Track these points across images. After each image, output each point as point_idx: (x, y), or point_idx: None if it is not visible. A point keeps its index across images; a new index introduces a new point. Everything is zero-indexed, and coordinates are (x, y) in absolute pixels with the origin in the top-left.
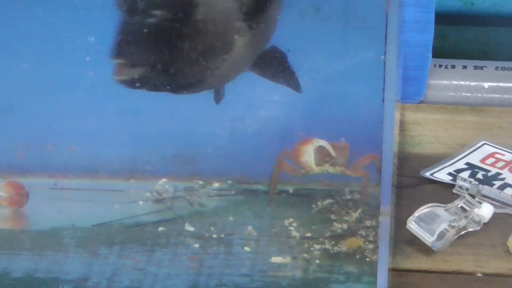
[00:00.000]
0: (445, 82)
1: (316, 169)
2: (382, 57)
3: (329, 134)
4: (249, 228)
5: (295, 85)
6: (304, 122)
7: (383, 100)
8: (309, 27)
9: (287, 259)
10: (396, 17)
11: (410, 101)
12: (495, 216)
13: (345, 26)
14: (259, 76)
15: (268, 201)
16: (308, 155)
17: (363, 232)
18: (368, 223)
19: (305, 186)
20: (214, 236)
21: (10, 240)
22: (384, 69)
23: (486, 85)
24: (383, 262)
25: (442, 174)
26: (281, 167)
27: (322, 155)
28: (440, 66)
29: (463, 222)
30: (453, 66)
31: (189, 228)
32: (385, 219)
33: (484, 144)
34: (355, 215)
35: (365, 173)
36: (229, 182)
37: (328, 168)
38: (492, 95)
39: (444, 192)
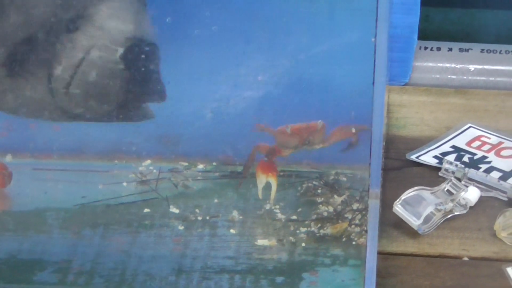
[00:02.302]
0: (430, 64)
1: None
2: (373, 39)
3: (315, 115)
4: (234, 210)
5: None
6: (289, 103)
7: (373, 83)
8: (296, 7)
9: (272, 242)
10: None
11: (395, 83)
12: (481, 199)
13: (332, 6)
14: (243, 57)
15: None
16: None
17: (349, 215)
18: (355, 206)
19: (290, 168)
20: (199, 218)
21: None
22: (375, 52)
23: (472, 67)
24: (372, 245)
25: (428, 157)
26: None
27: (301, 141)
28: (426, 48)
29: (449, 206)
30: (438, 48)
31: (173, 210)
32: (374, 202)
33: (470, 127)
34: (340, 198)
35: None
36: (214, 163)
37: (306, 148)
38: (478, 78)
39: (430, 175)
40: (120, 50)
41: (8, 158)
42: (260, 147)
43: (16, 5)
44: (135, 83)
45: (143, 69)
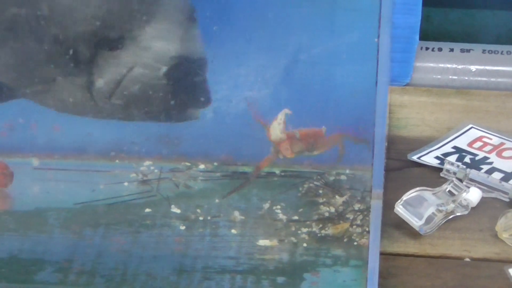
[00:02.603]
0: (431, 64)
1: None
2: (376, 40)
3: (316, 115)
4: (235, 211)
5: None
6: (291, 103)
7: (376, 84)
8: (298, 7)
9: (273, 242)
10: (390, 0)
11: (396, 83)
12: (483, 200)
13: (334, 6)
14: (244, 56)
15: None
16: (274, 128)
17: (351, 216)
18: (356, 206)
19: (292, 169)
20: (200, 218)
21: None
22: (378, 52)
23: (473, 68)
24: (375, 246)
25: (429, 158)
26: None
27: (306, 145)
28: (427, 48)
29: (451, 206)
30: (439, 49)
31: (175, 210)
32: (377, 202)
33: (472, 127)
34: (342, 199)
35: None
36: (215, 163)
37: (307, 153)
38: (479, 78)
39: (432, 176)
40: (164, 69)
41: (35, 161)
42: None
43: (57, 20)
44: (178, 95)
45: (188, 83)
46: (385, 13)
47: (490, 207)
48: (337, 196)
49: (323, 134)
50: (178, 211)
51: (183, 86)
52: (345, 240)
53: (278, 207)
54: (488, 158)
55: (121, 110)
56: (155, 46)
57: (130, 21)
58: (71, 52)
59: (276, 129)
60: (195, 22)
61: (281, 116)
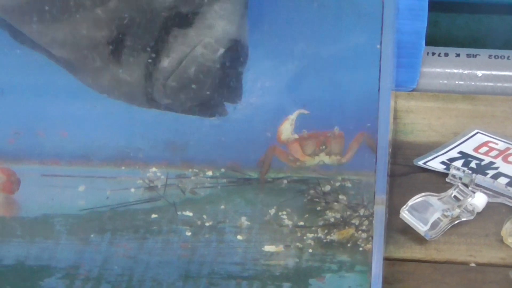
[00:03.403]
0: (438, 70)
1: (293, 136)
2: (378, 46)
3: (322, 120)
4: (242, 216)
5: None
6: (296, 108)
7: (378, 90)
8: (302, 12)
9: (279, 248)
10: (392, 5)
11: (403, 88)
12: (488, 205)
13: (338, 12)
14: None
15: (262, 189)
16: (285, 129)
17: (356, 221)
18: (361, 212)
19: (298, 174)
20: (207, 224)
21: (1, 227)
22: (380, 58)
23: (479, 73)
24: (378, 251)
25: (435, 163)
26: (273, 153)
27: (318, 144)
28: (433, 54)
29: (456, 212)
30: (446, 54)
31: (181, 216)
32: (380, 208)
33: (477, 132)
34: (347, 204)
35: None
36: (222, 170)
37: (323, 158)
38: (485, 83)
39: (437, 181)
40: (221, 50)
41: (17, 164)
42: (276, 149)
43: None
44: (223, 83)
45: (233, 70)
46: (387, 18)
47: (495, 212)
48: (342, 202)
49: (335, 134)
50: (184, 217)
51: (229, 75)
52: (350, 245)
53: (284, 212)
54: (494, 163)
55: (171, 95)
56: (218, 25)
57: None
58: (140, 28)
59: (288, 129)
60: (247, 8)
61: (293, 117)
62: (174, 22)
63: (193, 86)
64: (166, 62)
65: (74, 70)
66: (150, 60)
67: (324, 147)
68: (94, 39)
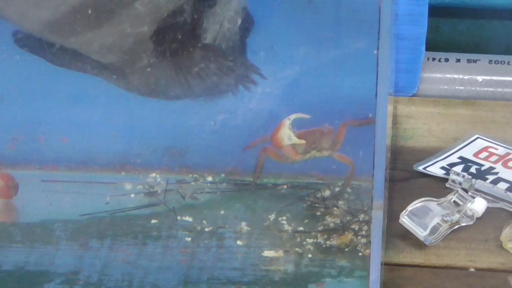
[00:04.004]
0: (438, 75)
1: (301, 141)
2: (375, 51)
3: (320, 125)
4: (241, 221)
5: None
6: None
7: (376, 95)
8: (301, 19)
9: (279, 253)
10: (389, 11)
11: (403, 94)
12: (488, 210)
13: (336, 18)
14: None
15: (262, 194)
16: (287, 135)
17: (355, 227)
18: (361, 217)
19: (297, 180)
20: (206, 229)
21: (0, 233)
22: (377, 64)
23: (480, 78)
24: (376, 256)
25: (435, 168)
26: (264, 154)
27: (308, 143)
28: (434, 59)
29: (456, 217)
30: (446, 60)
31: (181, 221)
32: (378, 213)
33: (477, 138)
34: (346, 209)
35: (351, 161)
36: (222, 175)
37: (315, 154)
38: (486, 89)
39: (437, 186)
40: (239, 21)
41: (16, 170)
42: (267, 150)
43: None
44: (241, 62)
45: (244, 38)
46: (384, 24)
47: (495, 217)
48: (342, 207)
49: (325, 131)
50: (184, 222)
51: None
52: (349, 250)
53: (284, 218)
54: (493, 168)
55: (210, 76)
56: None
57: None
58: (175, 15)
59: (288, 134)
60: None
61: (290, 121)
62: (203, 5)
63: (229, 62)
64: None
65: (123, 74)
66: (191, 49)
67: (315, 145)
68: (138, 35)
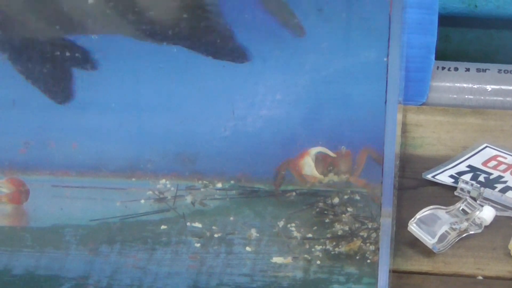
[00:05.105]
0: (447, 84)
1: (320, 177)
2: (385, 59)
3: (330, 134)
4: (251, 228)
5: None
6: (306, 122)
7: (385, 102)
8: (312, 28)
9: (288, 260)
10: (399, 20)
11: (412, 103)
12: (496, 219)
13: (347, 26)
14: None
15: (271, 201)
16: (308, 165)
17: (364, 234)
18: (369, 224)
19: (307, 186)
20: (216, 235)
21: (11, 237)
22: (387, 71)
23: (489, 87)
24: (384, 263)
25: (444, 177)
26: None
27: (325, 164)
28: (443, 68)
29: (464, 225)
30: (456, 69)
31: (190, 227)
32: (387, 220)
33: (486, 146)
34: (355, 216)
35: (366, 183)
36: (232, 182)
37: (333, 177)
38: (495, 98)
39: (446, 195)
40: None
41: (27, 175)
42: (290, 163)
43: None
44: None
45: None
46: (394, 32)
47: (503, 226)
48: (350, 214)
49: (342, 153)
50: (194, 228)
51: None
52: (358, 257)
53: (293, 225)
54: (502, 177)
55: None
56: None
57: None
58: None
59: (310, 165)
60: None
61: (314, 152)
62: None
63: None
64: None
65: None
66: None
67: (331, 167)
68: None
